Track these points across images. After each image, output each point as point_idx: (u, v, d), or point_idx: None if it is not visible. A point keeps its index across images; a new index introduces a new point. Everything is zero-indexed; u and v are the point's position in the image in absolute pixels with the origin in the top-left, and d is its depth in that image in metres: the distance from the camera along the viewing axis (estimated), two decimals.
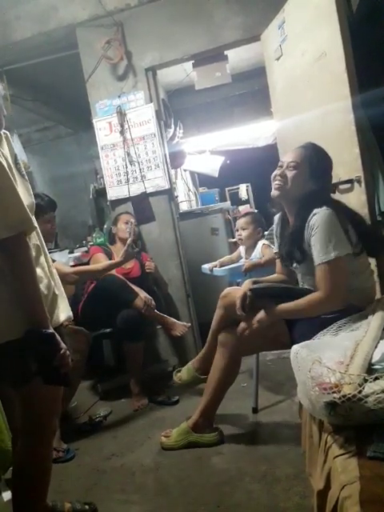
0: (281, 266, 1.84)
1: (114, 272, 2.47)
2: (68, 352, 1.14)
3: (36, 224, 1.15)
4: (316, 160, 1.60)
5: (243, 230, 2.41)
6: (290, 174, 1.61)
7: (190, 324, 2.55)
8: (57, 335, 1.11)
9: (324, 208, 1.49)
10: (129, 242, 2.20)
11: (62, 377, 1.13)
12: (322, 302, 1.48)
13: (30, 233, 1.14)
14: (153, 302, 2.40)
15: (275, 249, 1.85)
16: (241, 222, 2.45)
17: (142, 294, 2.40)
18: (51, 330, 1.10)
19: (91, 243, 3.44)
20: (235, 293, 1.75)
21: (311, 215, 1.50)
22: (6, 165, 1.08)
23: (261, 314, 1.59)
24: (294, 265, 1.67)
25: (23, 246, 1.09)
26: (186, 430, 1.84)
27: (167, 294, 2.89)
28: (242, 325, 1.65)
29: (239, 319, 1.67)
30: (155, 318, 2.43)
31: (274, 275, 1.88)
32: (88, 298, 2.45)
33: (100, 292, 2.38)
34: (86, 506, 1.53)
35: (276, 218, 1.83)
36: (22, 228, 1.09)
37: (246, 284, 1.71)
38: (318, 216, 1.48)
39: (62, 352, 1.11)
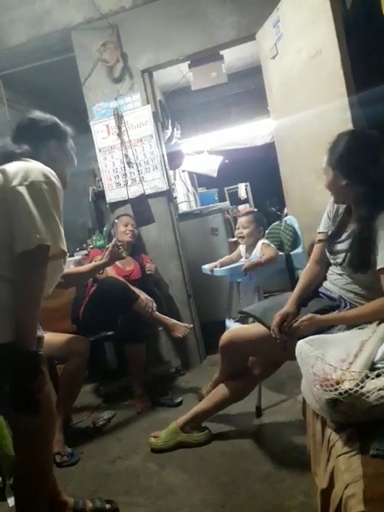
0: (320, 251, 1.66)
1: (114, 274, 2.47)
2: (45, 379, 1.14)
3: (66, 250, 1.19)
4: (344, 158, 1.42)
5: (244, 228, 2.40)
6: (325, 182, 1.51)
7: (191, 325, 2.54)
8: (39, 357, 1.10)
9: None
10: (113, 242, 2.14)
11: (34, 403, 1.06)
12: None
13: (57, 253, 1.17)
14: (153, 304, 2.39)
15: (322, 228, 1.66)
16: (242, 220, 2.44)
17: (143, 295, 2.40)
18: (34, 350, 1.09)
19: (91, 246, 3.44)
20: (239, 336, 1.69)
21: (376, 219, 1.36)
22: (59, 198, 1.18)
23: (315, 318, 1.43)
24: (339, 263, 1.52)
25: (45, 262, 1.12)
26: (175, 430, 1.85)
27: (168, 295, 2.90)
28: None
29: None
30: (156, 320, 2.43)
31: (304, 276, 1.70)
32: (89, 301, 2.44)
33: (101, 295, 2.37)
34: (107, 505, 1.53)
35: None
36: (55, 244, 1.13)
37: (289, 306, 1.56)
38: (381, 220, 1.34)
39: (41, 377, 1.09)
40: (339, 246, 1.52)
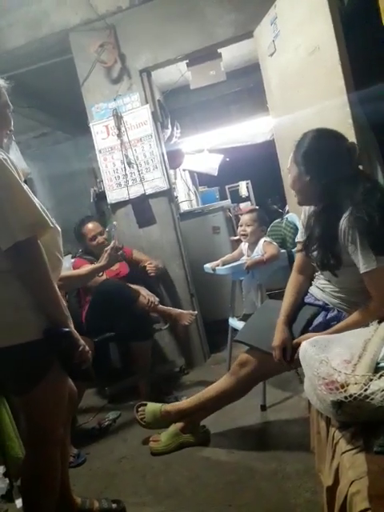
0: (301, 260, 1.68)
1: (105, 276, 2.43)
2: (86, 348, 1.18)
3: (51, 223, 1.15)
4: (308, 155, 1.44)
5: (248, 226, 2.40)
6: (289, 180, 1.54)
7: (196, 312, 2.54)
8: (75, 332, 1.15)
9: (349, 210, 1.34)
10: (112, 244, 2.11)
11: (83, 372, 1.19)
12: (377, 310, 1.36)
13: (45, 232, 1.15)
14: (155, 298, 2.38)
15: (299, 238, 1.67)
16: (246, 218, 2.43)
17: (144, 291, 2.38)
18: (69, 329, 1.14)
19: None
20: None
21: (342, 219, 1.36)
22: (13, 170, 1.10)
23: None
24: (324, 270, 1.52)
25: (38, 248, 1.10)
26: (176, 432, 1.86)
27: (173, 291, 2.90)
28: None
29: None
30: (160, 313, 2.41)
31: (289, 290, 1.69)
32: (91, 306, 2.41)
33: (101, 297, 2.34)
34: (114, 505, 1.54)
35: (306, 208, 1.63)
36: (37, 228, 1.10)
37: (283, 332, 1.57)
38: (346, 221, 1.34)
39: (81, 349, 1.15)
40: (314, 252, 1.53)
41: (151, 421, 1.88)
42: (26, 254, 1.08)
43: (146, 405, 1.93)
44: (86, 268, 2.13)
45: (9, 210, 1.06)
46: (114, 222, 2.52)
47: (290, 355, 1.53)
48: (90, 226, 2.61)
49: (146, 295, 2.35)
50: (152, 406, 1.91)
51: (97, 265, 2.09)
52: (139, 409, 1.92)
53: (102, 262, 2.07)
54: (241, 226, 2.45)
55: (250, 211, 2.52)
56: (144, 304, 2.32)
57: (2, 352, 1.10)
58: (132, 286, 2.40)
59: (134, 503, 1.57)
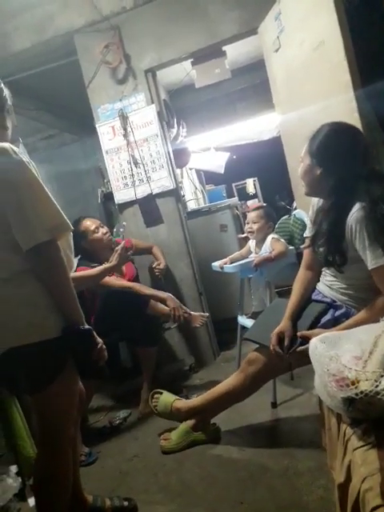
0: (309, 256, 1.66)
1: (114, 281, 2.33)
2: (104, 346, 1.21)
3: (71, 226, 1.19)
4: (323, 147, 1.42)
5: (254, 223, 2.39)
6: (300, 170, 1.52)
7: (207, 314, 2.51)
8: (93, 331, 1.17)
9: (357, 207, 1.33)
10: (122, 245, 2.10)
11: (98, 370, 1.23)
12: None
13: (64, 234, 1.19)
14: (183, 311, 2.26)
15: (307, 233, 1.66)
16: (252, 215, 2.43)
17: (172, 302, 2.25)
18: (88, 327, 1.16)
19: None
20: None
21: (350, 216, 1.35)
22: (36, 172, 1.13)
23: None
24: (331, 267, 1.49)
25: (58, 249, 1.13)
26: (187, 430, 1.86)
27: (182, 290, 2.90)
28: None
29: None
30: (183, 316, 2.28)
31: (297, 286, 1.68)
32: (99, 312, 2.30)
33: (110, 307, 2.26)
34: (125, 502, 1.55)
35: (314, 201, 1.62)
36: (58, 231, 1.14)
37: (283, 325, 1.58)
38: (354, 217, 1.33)
39: (99, 346, 1.18)
40: (321, 248, 1.51)
41: (162, 411, 1.92)
42: (46, 255, 1.11)
43: (161, 393, 1.96)
44: (97, 268, 2.12)
45: (31, 212, 1.09)
46: (124, 222, 2.52)
47: (287, 348, 1.53)
48: (87, 222, 2.50)
49: (174, 308, 2.22)
50: (166, 397, 1.94)
51: (107, 265, 2.08)
52: (155, 396, 1.96)
53: (113, 261, 2.08)
54: (247, 223, 2.45)
55: (256, 208, 2.51)
56: (172, 306, 2.21)
57: (20, 350, 1.11)
58: (158, 293, 2.28)
59: (145, 501, 1.58)
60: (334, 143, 1.42)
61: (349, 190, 1.39)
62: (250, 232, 2.43)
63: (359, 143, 1.42)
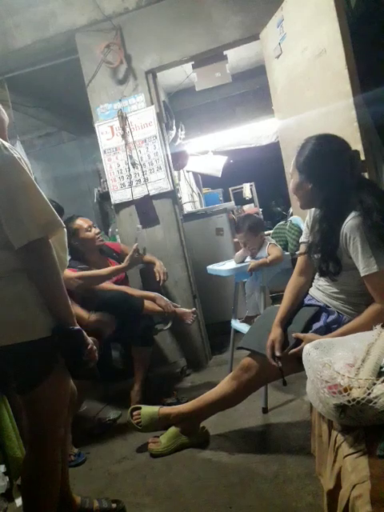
0: (303, 261, 1.68)
1: (108, 285, 2.34)
2: (94, 347, 1.19)
3: (63, 223, 1.18)
4: (309, 163, 1.44)
5: (247, 243, 2.31)
6: (290, 185, 1.54)
7: (194, 308, 2.55)
8: (83, 331, 1.16)
9: (352, 215, 1.36)
10: (134, 247, 2.14)
11: (89, 370, 1.21)
12: (380, 313, 1.36)
13: (56, 232, 1.17)
14: (171, 307, 2.36)
15: (303, 238, 1.67)
16: (240, 237, 2.34)
17: (161, 301, 2.33)
18: (78, 327, 1.15)
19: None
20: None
21: (344, 224, 1.37)
22: (27, 169, 1.12)
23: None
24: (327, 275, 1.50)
25: (50, 247, 1.12)
26: (176, 433, 1.85)
27: (176, 292, 2.90)
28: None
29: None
30: (174, 311, 2.38)
31: (288, 292, 1.69)
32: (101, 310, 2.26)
33: (106, 308, 2.23)
34: (114, 504, 1.54)
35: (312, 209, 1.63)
36: (50, 229, 1.12)
37: (273, 333, 1.58)
38: (349, 225, 1.36)
39: (89, 347, 1.17)
40: (316, 255, 1.52)
41: (148, 424, 1.86)
42: (38, 253, 1.09)
43: (140, 408, 1.91)
44: (109, 268, 2.20)
45: (23, 209, 1.07)
46: (139, 225, 2.53)
47: (278, 351, 1.53)
48: (79, 221, 2.47)
49: (165, 305, 2.32)
50: (148, 409, 1.90)
51: (119, 266, 2.16)
52: (134, 413, 1.90)
53: (124, 263, 2.16)
54: (241, 243, 2.36)
55: (238, 231, 2.37)
56: (163, 304, 2.29)
57: (10, 349, 1.10)
58: (147, 292, 2.36)
59: (133, 503, 1.57)
60: (320, 157, 1.43)
61: (341, 201, 1.41)
62: (251, 251, 2.35)
63: (344, 154, 1.43)
